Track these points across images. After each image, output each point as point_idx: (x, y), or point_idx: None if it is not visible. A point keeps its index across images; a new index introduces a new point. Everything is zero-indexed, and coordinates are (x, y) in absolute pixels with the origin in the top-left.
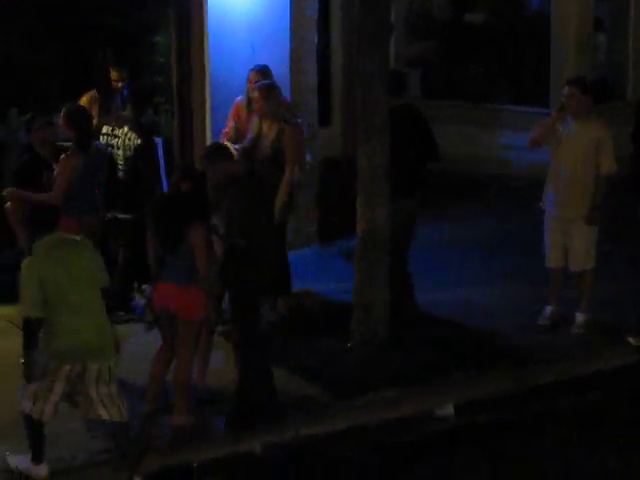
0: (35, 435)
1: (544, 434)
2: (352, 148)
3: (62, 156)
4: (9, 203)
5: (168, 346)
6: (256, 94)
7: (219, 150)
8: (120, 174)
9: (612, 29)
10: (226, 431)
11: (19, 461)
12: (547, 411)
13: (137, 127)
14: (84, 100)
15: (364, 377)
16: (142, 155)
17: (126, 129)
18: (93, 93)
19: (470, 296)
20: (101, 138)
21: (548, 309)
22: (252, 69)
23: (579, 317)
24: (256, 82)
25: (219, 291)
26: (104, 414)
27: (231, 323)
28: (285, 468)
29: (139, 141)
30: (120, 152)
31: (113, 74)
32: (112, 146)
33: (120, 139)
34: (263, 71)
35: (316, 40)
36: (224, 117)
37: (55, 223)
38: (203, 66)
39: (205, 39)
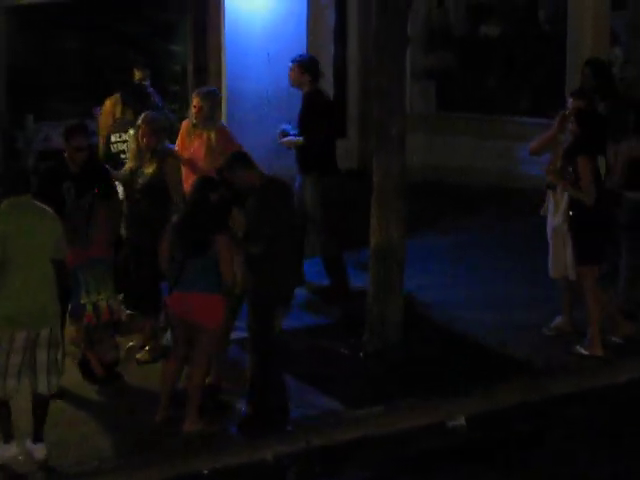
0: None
1: (558, 445)
2: (368, 160)
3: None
4: None
5: (179, 353)
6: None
7: (239, 159)
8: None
9: (628, 43)
10: (238, 439)
11: None
12: (561, 422)
13: None
14: (107, 104)
15: (377, 387)
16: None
17: (131, 131)
18: (116, 97)
19: (487, 304)
20: (111, 147)
21: (557, 319)
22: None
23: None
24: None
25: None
26: (43, 387)
27: (247, 330)
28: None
29: None
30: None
31: (137, 74)
32: (123, 152)
33: (128, 143)
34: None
35: (333, 50)
36: (239, 124)
37: (26, 186)
38: (219, 75)
39: (222, 48)
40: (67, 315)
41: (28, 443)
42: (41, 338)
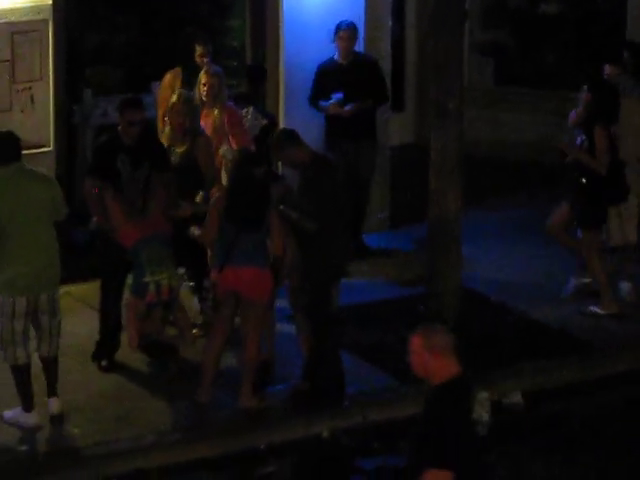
0: (19, 382)
1: (615, 423)
2: (426, 133)
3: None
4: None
5: (224, 329)
6: None
7: (288, 136)
8: None
9: None
10: (294, 414)
11: (11, 414)
12: (619, 400)
13: (262, 110)
14: (168, 77)
15: None
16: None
17: (251, 109)
18: (177, 70)
19: (538, 281)
20: None
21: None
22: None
23: (626, 285)
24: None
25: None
26: (46, 350)
27: (304, 308)
28: (352, 452)
29: (265, 122)
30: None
31: (198, 49)
32: None
33: (245, 118)
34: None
35: (391, 25)
36: (297, 102)
37: (18, 151)
38: (277, 51)
39: (280, 24)
40: (127, 288)
41: (48, 401)
42: (41, 302)
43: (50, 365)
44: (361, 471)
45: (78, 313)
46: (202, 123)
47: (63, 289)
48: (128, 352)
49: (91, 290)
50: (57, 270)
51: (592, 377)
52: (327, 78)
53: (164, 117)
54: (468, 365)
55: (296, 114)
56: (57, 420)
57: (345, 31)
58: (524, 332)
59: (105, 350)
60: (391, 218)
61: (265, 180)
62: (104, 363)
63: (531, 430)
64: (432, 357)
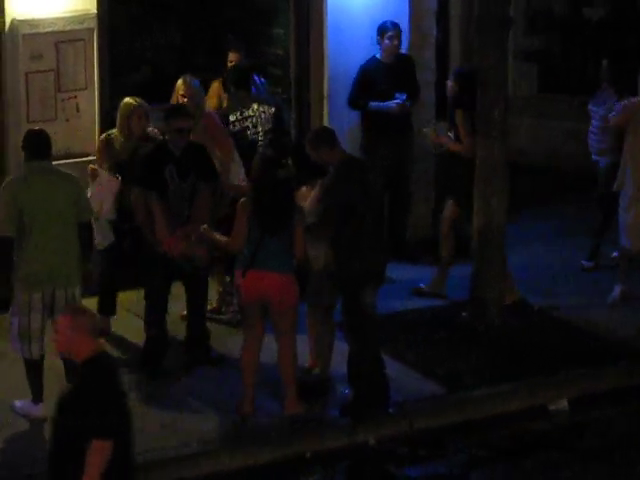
0: (31, 374)
1: None
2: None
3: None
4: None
5: (256, 335)
6: None
7: (326, 135)
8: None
9: None
10: (340, 421)
11: (21, 404)
12: None
13: (263, 100)
14: (215, 86)
15: (478, 370)
16: (281, 123)
17: (255, 106)
18: (222, 79)
19: (582, 288)
20: (231, 127)
21: (618, 289)
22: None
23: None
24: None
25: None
26: None
27: (341, 312)
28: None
29: (273, 109)
30: (259, 128)
31: (231, 56)
32: (247, 128)
33: (254, 117)
34: None
35: (435, 33)
36: (341, 109)
37: (47, 150)
38: (322, 58)
39: (324, 31)
40: None
41: None
42: (57, 299)
43: (69, 363)
44: (407, 478)
45: (118, 318)
46: None
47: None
48: (170, 360)
49: (129, 294)
50: (75, 268)
51: (635, 384)
52: (372, 77)
53: None
54: (513, 370)
55: (338, 117)
56: None
57: (392, 30)
58: (569, 339)
59: (151, 358)
60: (433, 224)
61: (288, 182)
62: (155, 372)
63: (576, 436)
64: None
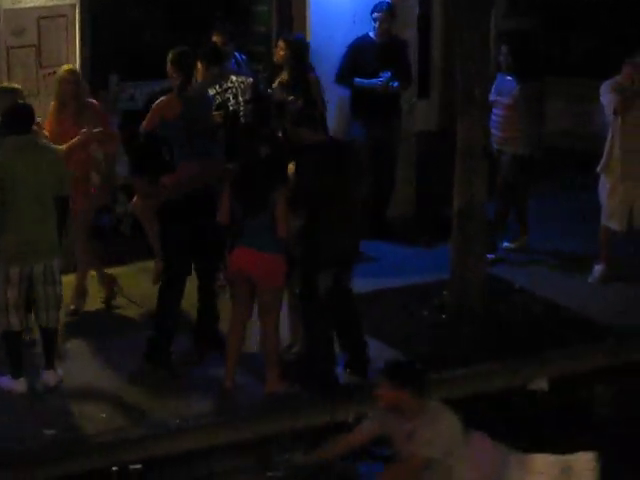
0: (9, 349)
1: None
2: (450, 120)
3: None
4: (136, 199)
5: (242, 312)
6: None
7: (308, 115)
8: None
9: None
10: (319, 400)
11: (1, 380)
12: None
13: (239, 72)
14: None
15: (458, 349)
16: (259, 93)
17: (233, 77)
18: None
19: (570, 264)
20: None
21: (599, 269)
22: None
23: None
24: None
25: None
26: (44, 321)
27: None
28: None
29: (251, 79)
30: (240, 98)
31: (217, 38)
32: (228, 100)
33: (233, 88)
34: None
35: (417, 11)
36: (324, 85)
37: (29, 124)
38: (304, 36)
39: (307, 8)
40: None
41: (42, 372)
42: (36, 273)
43: (47, 336)
44: (385, 457)
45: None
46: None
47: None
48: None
49: (115, 274)
50: (53, 242)
51: (616, 364)
52: (362, 55)
53: None
54: (493, 350)
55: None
56: (53, 392)
57: (385, 12)
58: (550, 319)
59: (161, 347)
60: (417, 203)
61: (272, 158)
62: (164, 359)
63: (557, 415)
64: None
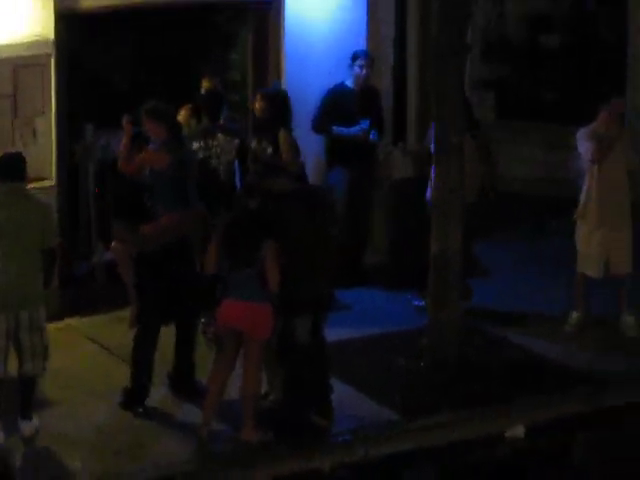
0: None
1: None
2: (427, 167)
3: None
4: (115, 243)
5: (227, 364)
6: None
7: (268, 165)
8: (224, 179)
9: None
10: (295, 448)
11: None
12: (619, 433)
13: (229, 130)
14: (182, 114)
15: (434, 397)
16: (244, 154)
17: (220, 135)
18: (190, 106)
19: (541, 313)
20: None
21: (575, 315)
22: None
23: (629, 319)
24: None
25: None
26: (28, 369)
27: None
28: None
29: (237, 141)
30: (222, 158)
31: (205, 83)
32: (210, 157)
33: (218, 147)
34: None
35: (392, 60)
36: (300, 135)
37: (21, 173)
38: (281, 86)
39: (282, 58)
40: None
41: (18, 420)
42: (22, 321)
43: (27, 386)
44: None
45: (78, 346)
46: None
47: (64, 322)
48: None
49: (91, 323)
50: (39, 291)
51: (592, 410)
52: (339, 103)
53: None
54: (470, 398)
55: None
56: (29, 442)
57: (362, 59)
58: (526, 366)
59: (137, 397)
60: (390, 250)
61: (260, 213)
62: (140, 410)
63: (533, 463)
64: None
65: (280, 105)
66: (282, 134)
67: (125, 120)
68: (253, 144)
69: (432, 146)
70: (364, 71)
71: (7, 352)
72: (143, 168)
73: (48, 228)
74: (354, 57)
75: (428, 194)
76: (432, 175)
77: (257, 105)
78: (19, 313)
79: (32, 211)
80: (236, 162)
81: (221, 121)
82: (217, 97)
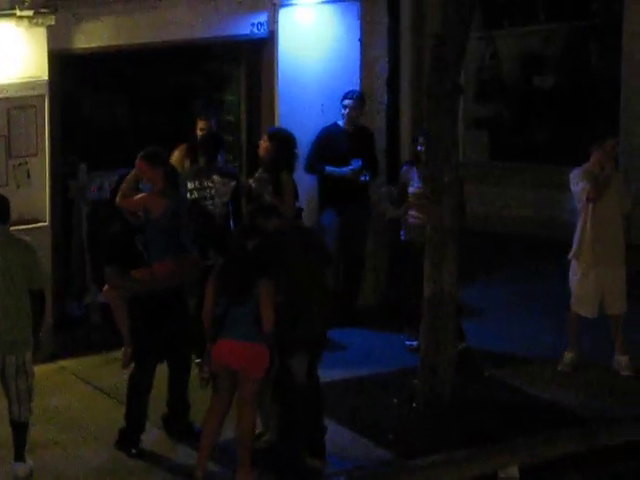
0: None
1: None
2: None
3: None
4: (108, 287)
5: (223, 403)
6: None
7: (260, 208)
8: (218, 221)
9: None
10: None
11: None
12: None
13: (225, 172)
14: (177, 154)
15: (429, 437)
16: (238, 196)
17: (216, 177)
18: (183, 146)
19: (535, 354)
20: (188, 194)
21: (568, 354)
22: None
23: (623, 359)
24: None
25: None
26: (15, 414)
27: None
28: None
29: (234, 183)
30: (216, 200)
31: (199, 123)
32: (204, 198)
33: (212, 189)
34: None
35: (386, 100)
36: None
37: (6, 216)
38: (273, 125)
39: (275, 99)
40: None
41: (13, 464)
42: (7, 366)
43: (18, 429)
44: None
45: (72, 387)
46: None
47: (58, 363)
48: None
49: (85, 364)
50: (26, 335)
51: (586, 450)
52: (332, 143)
53: None
54: (464, 438)
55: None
56: None
57: (352, 100)
58: (519, 406)
59: (131, 437)
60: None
61: (256, 252)
62: (134, 451)
63: None
64: None
65: (286, 147)
66: (285, 176)
67: (140, 158)
68: (252, 183)
69: (412, 187)
70: (350, 112)
71: None
72: (139, 208)
73: (35, 268)
74: (343, 97)
75: (402, 234)
76: (408, 214)
77: (263, 144)
78: (5, 358)
79: (16, 252)
80: (229, 204)
81: (219, 163)
82: (214, 138)
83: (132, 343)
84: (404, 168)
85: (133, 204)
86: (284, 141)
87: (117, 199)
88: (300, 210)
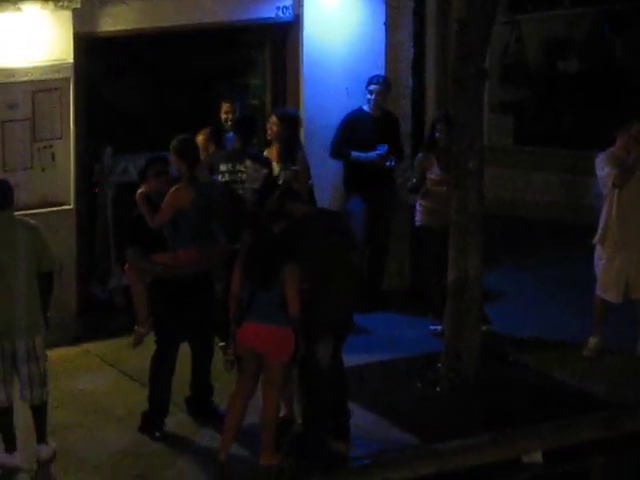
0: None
1: None
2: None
3: (173, 188)
4: (128, 267)
5: (247, 388)
6: None
7: (287, 192)
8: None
9: None
10: (315, 473)
11: None
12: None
13: (258, 158)
14: (200, 138)
15: (453, 422)
16: (270, 184)
17: (248, 162)
18: (205, 130)
19: (563, 336)
20: (220, 176)
21: (593, 340)
22: None
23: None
24: None
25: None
26: (27, 398)
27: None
28: None
29: (266, 171)
30: (247, 185)
31: (223, 106)
32: (236, 182)
33: (244, 173)
34: None
35: (411, 85)
36: (319, 160)
37: (8, 201)
38: (298, 109)
39: (300, 83)
40: None
41: (35, 446)
42: (18, 350)
43: (36, 412)
44: None
45: (97, 371)
46: None
47: (82, 347)
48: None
49: (109, 347)
50: (36, 319)
51: (611, 435)
52: (357, 128)
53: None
54: (488, 422)
55: (316, 170)
56: (45, 466)
57: (377, 85)
58: (544, 391)
59: (155, 420)
60: (412, 274)
61: (283, 236)
62: (158, 434)
63: None
64: None
65: (296, 125)
66: (300, 155)
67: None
68: (280, 171)
69: (432, 174)
70: (376, 97)
71: (8, 379)
72: (169, 212)
73: (42, 251)
74: (368, 82)
75: (417, 220)
76: (418, 202)
77: (272, 127)
78: (15, 342)
79: (23, 236)
80: (259, 191)
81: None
82: (249, 122)
83: (153, 326)
84: (420, 155)
85: (164, 216)
86: (294, 120)
87: (149, 223)
88: (311, 187)
